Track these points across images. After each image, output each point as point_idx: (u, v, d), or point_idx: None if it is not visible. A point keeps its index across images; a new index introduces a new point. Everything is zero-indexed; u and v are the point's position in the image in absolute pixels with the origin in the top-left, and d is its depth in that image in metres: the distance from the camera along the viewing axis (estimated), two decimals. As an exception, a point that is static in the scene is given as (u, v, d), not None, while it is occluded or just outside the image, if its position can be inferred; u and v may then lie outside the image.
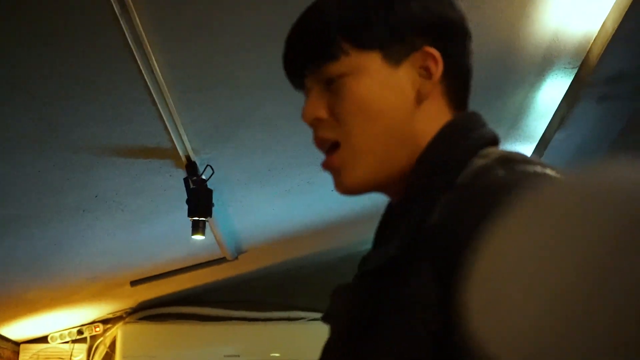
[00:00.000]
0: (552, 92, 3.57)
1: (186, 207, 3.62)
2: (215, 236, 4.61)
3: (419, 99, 1.13)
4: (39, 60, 2.57)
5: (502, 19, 2.95)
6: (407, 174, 1.11)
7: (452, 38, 1.17)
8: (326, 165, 1.15)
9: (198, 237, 3.85)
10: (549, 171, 0.94)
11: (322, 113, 1.13)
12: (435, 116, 1.14)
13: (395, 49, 1.12)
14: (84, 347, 5.90)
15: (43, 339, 5.85)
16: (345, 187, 1.13)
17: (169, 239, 4.67)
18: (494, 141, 1.11)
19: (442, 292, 0.87)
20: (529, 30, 3.02)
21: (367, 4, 1.13)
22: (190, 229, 3.78)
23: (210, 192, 3.59)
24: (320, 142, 1.15)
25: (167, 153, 3.42)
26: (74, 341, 5.88)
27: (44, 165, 3.24)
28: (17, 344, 5.77)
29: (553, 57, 3.26)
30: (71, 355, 5.84)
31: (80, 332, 5.88)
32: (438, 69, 1.14)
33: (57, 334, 5.83)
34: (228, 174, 3.83)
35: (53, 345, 5.83)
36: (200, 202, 3.57)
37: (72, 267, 4.66)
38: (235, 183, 4.06)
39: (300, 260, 6.02)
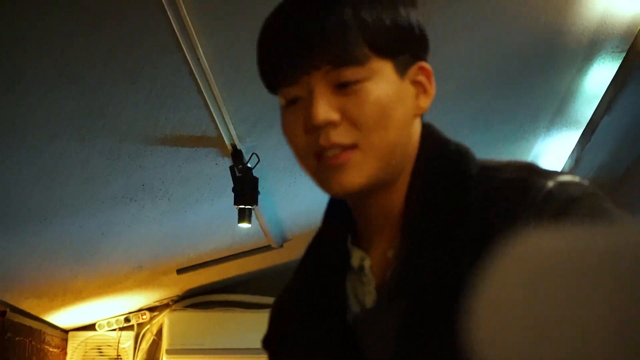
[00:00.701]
0: (599, 76, 3.53)
1: (231, 195, 3.63)
2: (260, 224, 4.62)
3: (417, 113, 1.14)
4: (86, 48, 2.58)
5: (549, 2, 2.92)
6: (399, 181, 1.13)
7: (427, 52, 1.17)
8: (335, 160, 1.08)
9: (244, 225, 3.86)
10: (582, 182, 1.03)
11: (336, 116, 1.07)
12: (417, 126, 1.16)
13: (402, 59, 1.10)
14: (131, 334, 5.95)
15: (91, 327, 5.90)
16: (349, 185, 1.09)
17: (214, 227, 4.69)
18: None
19: None
20: (576, 13, 2.98)
21: (379, 5, 1.08)
22: (235, 217, 3.79)
23: (256, 180, 3.60)
24: (331, 146, 1.08)
25: (213, 141, 3.42)
26: (121, 329, 5.93)
27: (90, 152, 3.26)
28: (65, 331, 5.84)
29: (600, 41, 3.22)
30: (118, 342, 5.89)
31: (127, 319, 5.93)
32: (432, 86, 1.14)
33: (105, 322, 5.89)
34: (272, 161, 3.83)
35: (101, 333, 5.89)
36: (246, 190, 3.58)
37: (118, 255, 4.70)
38: (280, 170, 4.06)
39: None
